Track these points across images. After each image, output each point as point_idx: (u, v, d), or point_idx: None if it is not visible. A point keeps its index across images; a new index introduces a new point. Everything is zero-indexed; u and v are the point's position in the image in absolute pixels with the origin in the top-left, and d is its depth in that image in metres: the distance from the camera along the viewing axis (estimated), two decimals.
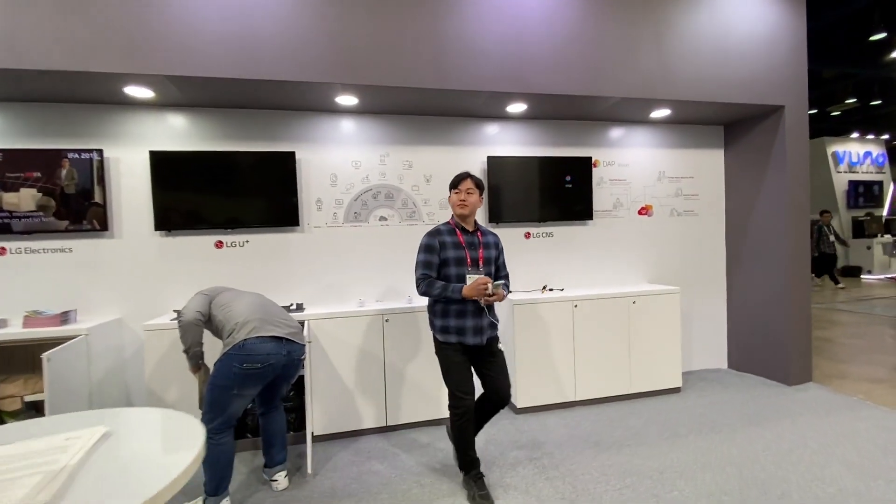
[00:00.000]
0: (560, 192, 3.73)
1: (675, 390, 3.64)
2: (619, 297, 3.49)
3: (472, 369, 2.31)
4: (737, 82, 3.48)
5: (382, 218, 3.46)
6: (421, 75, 2.88)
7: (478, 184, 2.36)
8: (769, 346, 3.84)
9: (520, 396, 3.29)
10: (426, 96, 3.07)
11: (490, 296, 2.16)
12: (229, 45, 2.61)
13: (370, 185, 3.43)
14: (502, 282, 2.27)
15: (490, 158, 3.56)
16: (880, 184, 12.18)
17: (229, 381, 1.99)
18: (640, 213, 4.00)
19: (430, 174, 3.55)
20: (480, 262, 2.32)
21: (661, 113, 3.69)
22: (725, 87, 3.46)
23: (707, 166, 4.15)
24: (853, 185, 11.71)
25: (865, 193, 11.79)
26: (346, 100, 3.07)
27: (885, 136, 12.59)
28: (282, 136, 3.26)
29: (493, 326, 2.36)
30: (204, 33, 2.58)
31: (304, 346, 2.26)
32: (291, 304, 3.14)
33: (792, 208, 3.66)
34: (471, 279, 2.19)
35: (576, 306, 3.39)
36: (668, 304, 3.60)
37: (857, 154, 11.96)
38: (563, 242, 3.83)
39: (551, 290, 3.70)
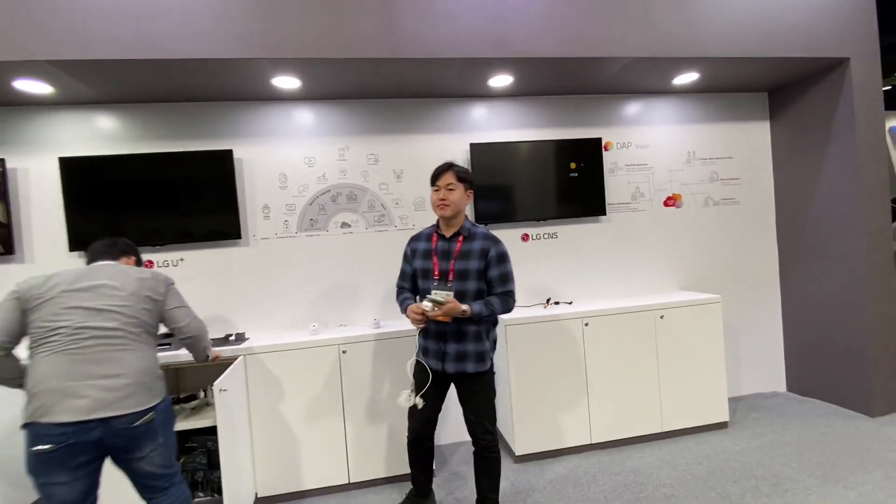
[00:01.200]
0: (564, 183, 3.04)
1: (722, 426, 2.88)
2: (642, 310, 2.77)
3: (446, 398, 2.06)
4: (784, 32, 2.71)
5: (345, 224, 2.87)
6: (370, 42, 2.28)
7: (462, 177, 1.95)
8: (842, 364, 3.02)
9: (518, 440, 2.62)
10: (384, 72, 2.47)
11: (424, 316, 1.81)
12: (120, 20, 2.09)
13: (328, 185, 2.85)
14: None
15: (474, 146, 2.92)
16: None
17: (29, 468, 1.38)
18: (665, 204, 3.26)
19: (402, 169, 2.94)
20: (451, 276, 1.88)
21: (686, 78, 2.96)
22: (769, 38, 2.69)
23: (749, 143, 3.37)
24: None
25: None
26: (285, 82, 2.51)
27: None
28: (215, 133, 2.73)
29: (463, 357, 1.89)
30: (90, 10, 2.07)
31: (145, 411, 1.47)
32: (230, 335, 2.58)
33: (867, 189, 2.84)
34: (436, 295, 1.79)
35: (587, 324, 2.70)
36: (708, 317, 2.85)
37: None
38: (571, 244, 3.14)
39: (556, 303, 3.01)
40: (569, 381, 2.67)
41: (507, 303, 1.91)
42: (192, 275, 2.69)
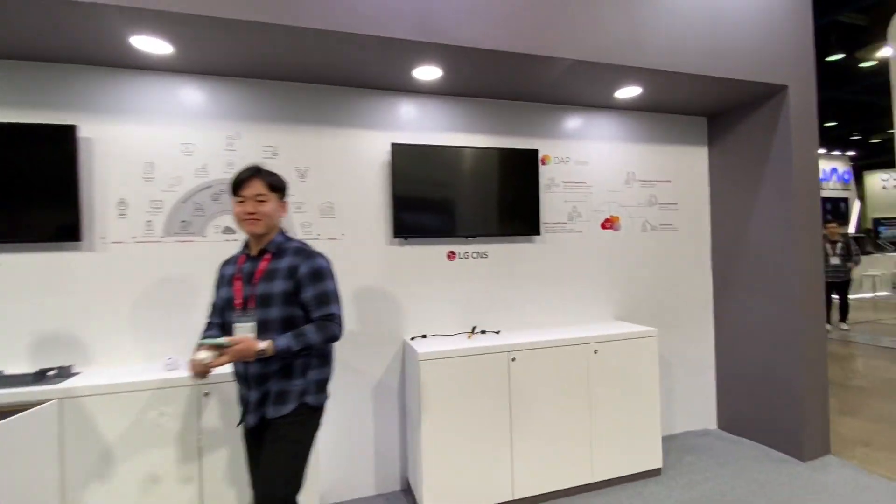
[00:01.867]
0: (496, 198, 2.70)
1: (654, 473, 2.61)
2: (575, 343, 2.46)
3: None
4: (727, 53, 2.57)
5: (228, 230, 2.33)
6: (255, 1, 1.81)
7: (274, 185, 1.63)
8: (773, 402, 2.88)
9: (426, 496, 2.18)
10: (283, 46, 2.00)
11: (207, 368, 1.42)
12: None
13: (209, 179, 2.31)
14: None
15: (396, 147, 2.50)
16: (846, 201, 11.89)
17: None
18: (603, 226, 3.02)
19: (307, 166, 2.46)
20: (251, 303, 1.52)
21: (629, 92, 2.74)
22: (712, 57, 2.54)
23: (687, 167, 3.23)
24: (822, 202, 11.33)
25: (833, 210, 11.43)
26: (151, 44, 1.96)
27: (851, 153, 12.38)
28: (56, 102, 2.11)
29: (264, 400, 1.52)
30: None
31: None
32: (50, 369, 1.94)
33: (801, 217, 2.75)
34: (239, 330, 1.49)
35: (514, 359, 2.34)
36: (643, 351, 2.59)
37: (822, 171, 11.63)
38: (501, 266, 2.79)
39: (483, 332, 2.64)
40: (490, 425, 2.28)
41: (328, 330, 1.52)
42: (14, 285, 2.02)
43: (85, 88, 2.13)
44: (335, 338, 1.55)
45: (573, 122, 2.96)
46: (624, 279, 3.05)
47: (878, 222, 13.08)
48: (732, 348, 3.15)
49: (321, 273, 1.56)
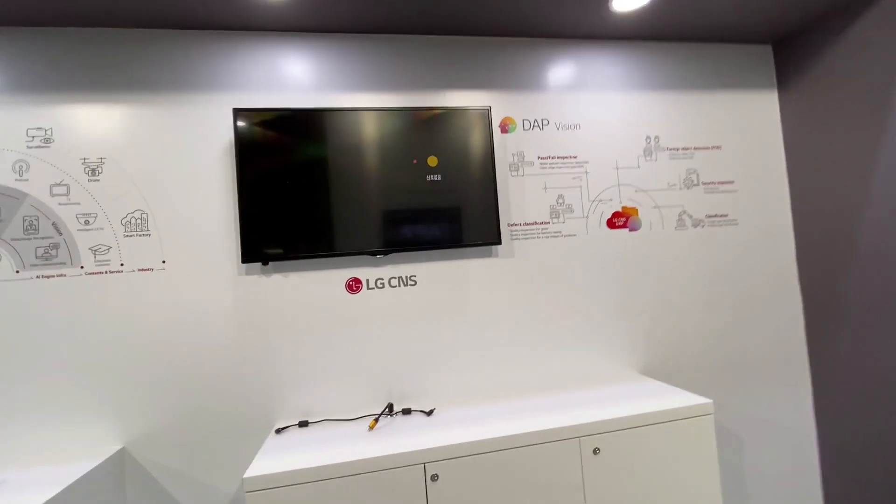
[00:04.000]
0: (425, 188, 1.67)
1: None
2: (556, 437, 1.35)
3: None
4: None
5: None
6: None
7: None
8: None
9: None
10: None
11: None
12: None
13: None
14: None
15: (242, 115, 1.55)
16: None
17: None
18: (612, 224, 1.90)
19: (101, 157, 1.55)
20: None
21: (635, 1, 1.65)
22: None
23: (746, 123, 2.05)
24: None
25: None
26: None
27: None
28: None
29: None
30: None
31: None
32: None
33: None
34: None
35: (434, 478, 1.27)
36: (692, 440, 1.44)
37: None
38: (441, 296, 1.74)
39: (406, 412, 1.59)
40: None
41: None
42: None
43: None
44: None
45: (552, 62, 1.88)
46: (651, 309, 1.90)
47: None
48: (843, 411, 1.89)
49: None
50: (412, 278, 1.71)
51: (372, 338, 1.68)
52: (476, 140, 1.71)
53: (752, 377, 1.97)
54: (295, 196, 1.56)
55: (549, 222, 1.84)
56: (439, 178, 1.67)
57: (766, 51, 2.09)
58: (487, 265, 1.77)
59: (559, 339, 1.82)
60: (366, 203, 1.61)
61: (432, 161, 1.67)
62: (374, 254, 1.64)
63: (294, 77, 1.67)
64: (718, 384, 1.93)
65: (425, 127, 1.67)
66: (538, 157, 1.85)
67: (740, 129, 2.03)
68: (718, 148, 2.01)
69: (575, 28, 1.82)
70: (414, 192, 1.65)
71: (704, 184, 1.98)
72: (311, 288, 1.64)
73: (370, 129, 1.62)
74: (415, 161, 1.65)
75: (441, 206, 1.68)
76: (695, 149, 1.98)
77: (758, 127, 2.06)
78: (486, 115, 1.73)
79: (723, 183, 2.00)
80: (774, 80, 2.09)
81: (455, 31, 1.76)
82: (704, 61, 2.02)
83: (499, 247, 1.77)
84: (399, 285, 1.70)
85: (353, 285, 1.67)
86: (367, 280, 1.68)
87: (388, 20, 1.65)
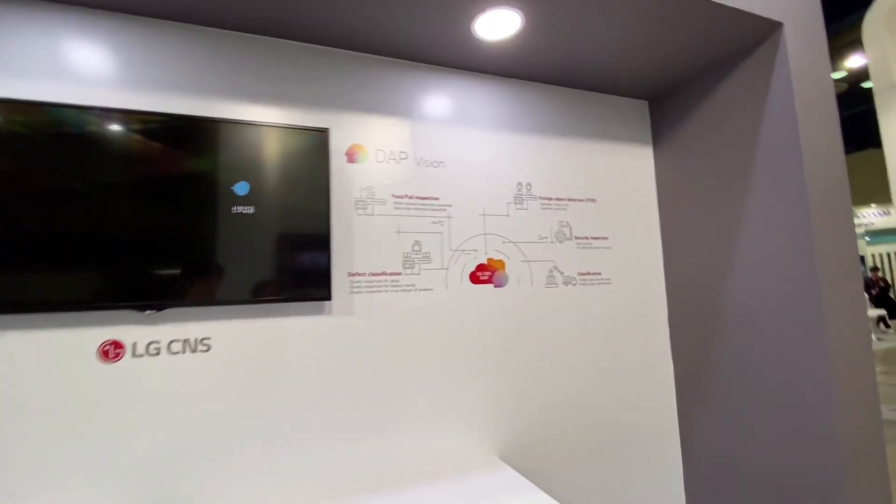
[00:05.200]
0: (225, 224, 1.27)
1: None
2: None
3: None
4: None
5: None
6: None
7: None
8: None
9: None
10: None
11: None
12: None
13: None
14: None
15: None
16: None
17: None
18: (475, 277, 1.63)
19: None
20: None
21: (501, 24, 1.45)
22: None
23: (622, 178, 1.94)
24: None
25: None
26: None
27: None
28: None
29: None
30: None
31: None
32: None
33: (827, 245, 1.45)
34: None
35: None
36: None
37: None
38: (244, 366, 1.31)
39: None
40: None
41: None
42: None
43: None
44: None
45: (416, 88, 1.62)
46: (516, 377, 1.64)
47: None
48: (713, 489, 1.74)
49: None
50: (204, 342, 1.28)
51: (141, 426, 1.20)
52: (307, 167, 1.37)
53: (623, 454, 1.77)
54: (15, 223, 1.08)
55: (400, 273, 1.52)
56: (251, 210, 1.29)
57: (643, 106, 2.03)
58: (316, 325, 1.40)
59: (407, 417, 1.47)
60: (130, 236, 1.17)
61: (242, 189, 1.28)
62: (141, 308, 1.19)
63: (47, 63, 1.22)
64: (588, 462, 1.69)
65: (235, 144, 1.29)
66: (392, 195, 1.54)
67: (616, 183, 1.91)
68: (593, 201, 1.86)
69: (441, 53, 1.58)
70: (210, 226, 1.24)
71: (577, 238, 1.80)
72: (40, 354, 1.14)
73: (134, 137, 1.20)
74: (216, 186, 1.25)
75: (250, 247, 1.28)
76: (569, 199, 1.81)
77: (633, 182, 1.95)
78: (322, 137, 1.39)
79: (596, 238, 1.84)
80: (650, 136, 2.02)
81: (291, 34, 1.43)
82: (582, 109, 1.89)
83: (330, 302, 1.41)
84: (184, 351, 1.26)
85: (111, 351, 1.20)
86: (134, 344, 1.21)
87: (224, 8, 1.28)
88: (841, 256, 1.46)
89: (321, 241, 1.36)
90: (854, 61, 8.17)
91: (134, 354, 1.21)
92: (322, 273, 1.35)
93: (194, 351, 1.26)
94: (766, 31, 1.53)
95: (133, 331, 1.21)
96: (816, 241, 1.42)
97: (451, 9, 1.35)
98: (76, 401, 1.16)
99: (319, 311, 1.40)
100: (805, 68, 1.50)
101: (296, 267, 1.33)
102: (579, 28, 1.46)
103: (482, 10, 1.36)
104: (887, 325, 6.90)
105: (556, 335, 1.71)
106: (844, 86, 8.33)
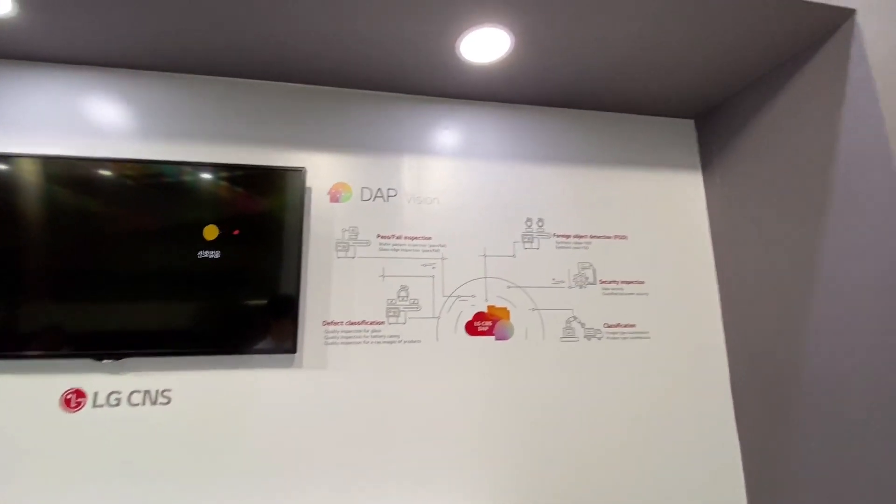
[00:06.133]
0: (191, 269, 1.23)
1: None
2: None
3: None
4: None
5: None
6: None
7: None
8: None
9: None
10: None
11: None
12: None
13: None
14: None
15: None
16: None
17: None
18: (471, 328, 1.41)
19: None
20: None
21: (493, 45, 1.30)
22: None
23: (663, 209, 1.63)
24: None
25: None
26: None
27: None
28: None
29: None
30: None
31: None
32: None
33: None
34: None
35: None
36: None
37: None
38: (206, 421, 1.22)
39: None
40: None
41: None
42: None
43: None
44: None
45: (404, 120, 1.52)
46: (521, 454, 1.36)
47: None
48: None
49: None
50: (165, 393, 1.21)
51: (95, 477, 1.14)
52: (279, 209, 1.29)
53: None
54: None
55: (383, 322, 1.37)
56: (217, 255, 1.23)
57: (688, 126, 1.72)
58: (283, 379, 1.28)
59: (381, 492, 1.27)
60: (88, 282, 1.15)
61: (210, 232, 1.24)
62: (98, 357, 1.16)
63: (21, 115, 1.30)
64: None
65: (200, 187, 1.26)
66: (378, 236, 1.42)
67: (653, 217, 1.61)
68: (623, 238, 1.57)
69: (428, 80, 1.46)
70: (175, 273, 1.20)
71: (603, 282, 1.52)
72: (14, 396, 1.14)
73: (109, 184, 1.21)
74: (181, 231, 1.22)
75: (215, 294, 1.22)
76: (591, 237, 1.55)
77: (677, 215, 1.63)
78: (297, 177, 1.32)
79: (629, 283, 1.54)
80: (698, 160, 1.70)
81: (268, 74, 1.41)
82: (608, 134, 1.65)
83: (296, 355, 1.28)
84: (143, 402, 1.20)
85: (74, 399, 1.17)
86: (95, 393, 1.18)
87: (164, 54, 1.31)
88: None
89: (290, 289, 1.26)
90: None
91: (94, 404, 1.18)
92: (287, 323, 1.24)
93: (154, 403, 1.20)
94: (834, 21, 1.21)
95: (94, 380, 1.18)
96: None
97: (431, 33, 1.23)
98: (37, 448, 1.14)
99: (288, 364, 1.28)
100: (888, 60, 1.14)
101: (258, 316, 1.23)
102: (586, 41, 1.27)
103: (465, 29, 1.23)
104: None
105: (575, 402, 1.42)
106: None
